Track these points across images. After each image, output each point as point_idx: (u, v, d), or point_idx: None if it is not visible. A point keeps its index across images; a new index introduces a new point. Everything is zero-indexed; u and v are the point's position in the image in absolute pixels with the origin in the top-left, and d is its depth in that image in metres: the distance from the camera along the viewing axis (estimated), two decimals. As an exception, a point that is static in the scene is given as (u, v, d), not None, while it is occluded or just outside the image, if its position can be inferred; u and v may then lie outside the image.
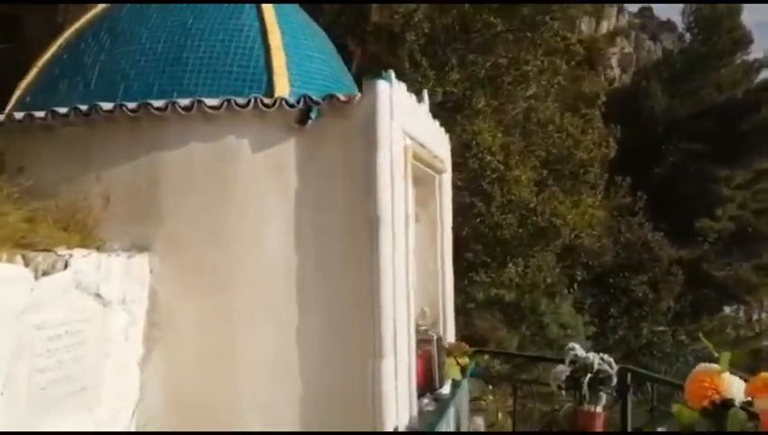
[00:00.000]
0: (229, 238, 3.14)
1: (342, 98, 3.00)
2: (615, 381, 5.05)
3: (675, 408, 1.79)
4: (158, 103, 3.09)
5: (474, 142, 6.97)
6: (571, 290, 13.38)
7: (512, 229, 7.54)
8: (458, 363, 4.24)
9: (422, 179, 4.63)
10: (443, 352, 3.72)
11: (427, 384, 3.56)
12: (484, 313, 10.51)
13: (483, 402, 6.51)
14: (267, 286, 3.11)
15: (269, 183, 3.13)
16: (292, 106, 3.04)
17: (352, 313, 3.01)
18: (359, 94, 3.04)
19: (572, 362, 5.14)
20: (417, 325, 3.68)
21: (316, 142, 3.11)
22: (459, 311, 9.35)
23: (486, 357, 6.89)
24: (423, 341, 3.56)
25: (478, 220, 7.82)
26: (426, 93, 4.19)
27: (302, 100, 3.02)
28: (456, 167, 7.99)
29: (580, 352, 5.20)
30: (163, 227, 3.18)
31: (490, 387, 6.44)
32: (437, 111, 6.85)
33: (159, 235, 3.18)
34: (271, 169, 3.12)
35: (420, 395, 3.55)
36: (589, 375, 4.98)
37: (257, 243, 3.12)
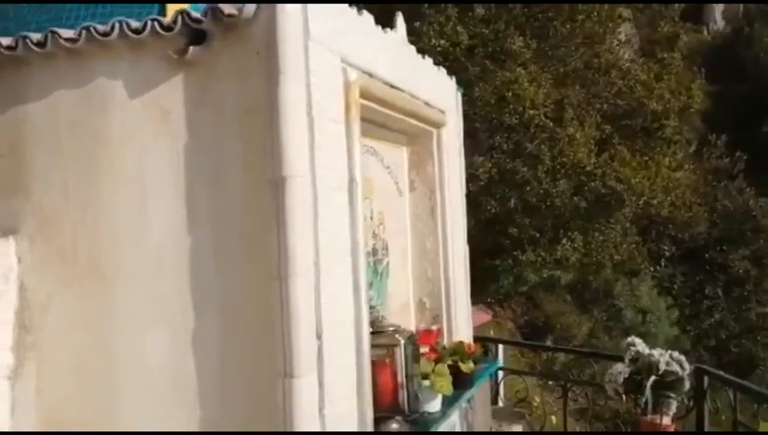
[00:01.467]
0: (104, 214, 2.42)
1: (228, 11, 2.17)
2: (687, 385, 4.04)
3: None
4: (6, 41, 2.41)
5: (509, 94, 5.89)
6: (657, 268, 11.92)
7: (564, 198, 6.43)
8: (460, 370, 3.36)
9: (414, 136, 3.73)
10: (414, 360, 2.85)
11: (394, 403, 2.72)
12: (548, 295, 9.42)
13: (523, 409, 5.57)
14: (154, 277, 2.37)
15: (151, 138, 2.37)
16: (168, 30, 2.25)
17: (255, 312, 2.22)
18: (254, 6, 2.19)
19: (633, 361, 4.16)
20: (379, 323, 2.83)
21: (207, 79, 2.31)
22: (509, 296, 8.38)
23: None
24: (384, 345, 2.71)
25: (524, 189, 6.77)
26: (400, 19, 3.27)
27: (179, 18, 2.22)
28: (492, 125, 6.97)
29: (641, 348, 4.18)
30: (31, 201, 2.51)
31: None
32: (465, 57, 5.88)
33: (27, 212, 2.52)
34: (152, 120, 2.36)
35: (386, 418, 2.72)
36: (653, 377, 4.01)
37: (139, 219, 2.38)
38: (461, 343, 3.53)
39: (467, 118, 6.67)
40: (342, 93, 2.52)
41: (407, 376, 2.71)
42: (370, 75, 2.80)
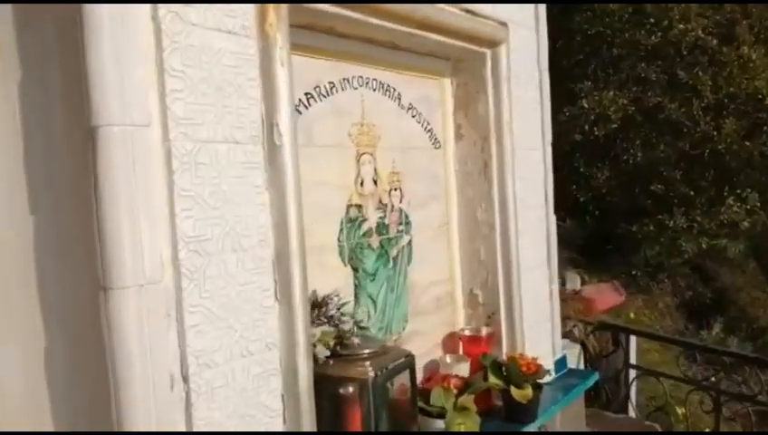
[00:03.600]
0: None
1: None
2: None
3: None
4: None
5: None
6: None
7: (732, 143, 4.81)
8: (512, 398, 2.39)
9: (459, 61, 2.72)
10: (411, 396, 1.94)
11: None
12: (718, 266, 7.65)
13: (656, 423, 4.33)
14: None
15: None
16: None
17: (89, 325, 1.48)
18: None
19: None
20: (349, 337, 1.95)
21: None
22: (661, 269, 6.75)
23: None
24: (348, 379, 1.84)
25: (675, 132, 5.24)
26: None
27: None
28: (627, 47, 5.40)
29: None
30: None
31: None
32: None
33: None
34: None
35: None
36: None
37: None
38: (514, 358, 2.51)
39: (589, 39, 5.33)
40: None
41: (377, 424, 1.81)
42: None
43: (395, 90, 2.50)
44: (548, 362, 3.02)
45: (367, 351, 1.94)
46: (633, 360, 4.92)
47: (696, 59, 5.06)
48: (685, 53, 5.05)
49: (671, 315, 7.61)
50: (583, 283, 5.74)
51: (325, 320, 1.90)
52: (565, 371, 3.17)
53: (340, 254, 2.24)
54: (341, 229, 2.24)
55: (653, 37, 5.03)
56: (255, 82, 1.64)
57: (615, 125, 5.24)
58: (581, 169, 5.61)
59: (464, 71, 2.77)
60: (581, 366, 4.79)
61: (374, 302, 2.38)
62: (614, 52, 5.49)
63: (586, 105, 5.24)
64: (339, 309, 2.00)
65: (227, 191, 1.56)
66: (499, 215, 2.74)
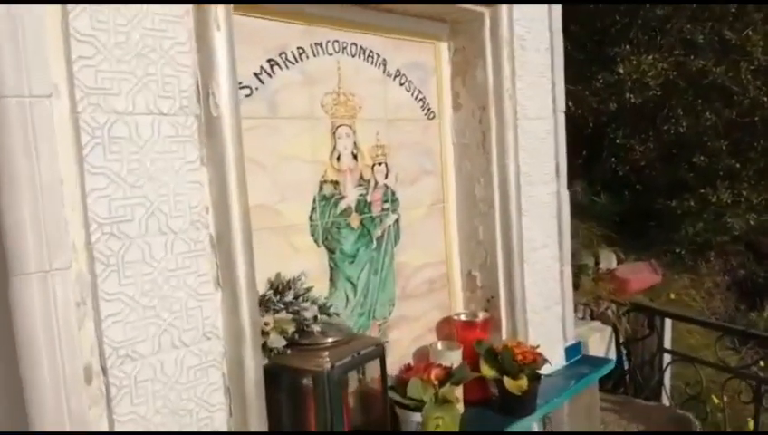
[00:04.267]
0: None
1: None
2: None
3: None
4: None
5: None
6: None
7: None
8: (506, 390, 2.23)
9: (455, 23, 2.51)
10: (376, 380, 1.79)
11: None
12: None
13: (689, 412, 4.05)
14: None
15: None
16: None
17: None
18: None
19: None
20: (309, 325, 1.82)
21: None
22: (707, 246, 6.29)
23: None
24: (304, 371, 1.71)
25: (721, 99, 4.82)
26: None
27: None
28: (664, 8, 4.93)
29: None
30: None
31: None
32: None
33: None
34: None
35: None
36: None
37: None
38: (507, 346, 2.33)
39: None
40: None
41: (332, 419, 1.69)
42: None
43: (379, 55, 2.32)
44: (558, 350, 2.83)
45: (330, 340, 1.80)
46: (668, 344, 4.64)
47: (747, 17, 4.63)
48: (733, 9, 4.62)
49: (720, 296, 7.19)
50: (619, 262, 5.45)
51: (282, 306, 1.76)
52: (578, 357, 2.96)
53: (313, 234, 2.10)
54: (314, 208, 2.10)
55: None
56: (186, 47, 1.49)
57: (654, 92, 4.87)
58: (618, 141, 5.28)
59: (462, 33, 2.56)
60: (612, 350, 4.56)
61: (354, 285, 2.23)
62: (657, 12, 5.09)
63: (621, 71, 4.89)
64: (304, 294, 1.87)
65: (151, 168, 1.43)
66: (499, 191, 2.53)
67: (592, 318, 4.91)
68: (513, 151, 2.53)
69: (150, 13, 1.43)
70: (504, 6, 2.48)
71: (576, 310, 4.93)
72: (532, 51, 2.69)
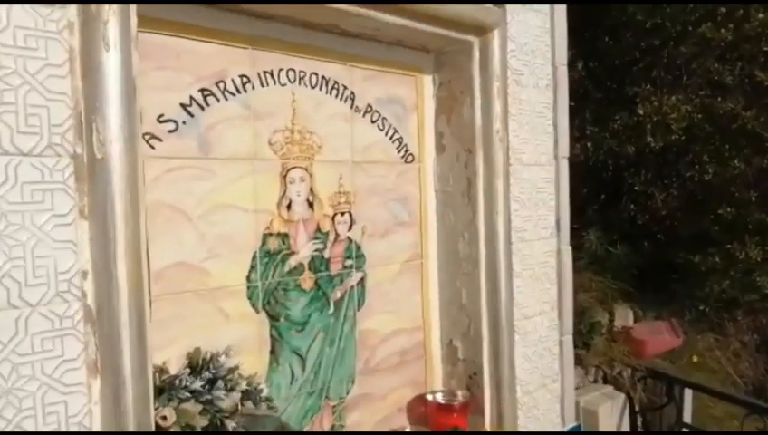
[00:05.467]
0: None
1: None
2: None
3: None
4: None
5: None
6: None
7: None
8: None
9: (440, 53, 2.22)
10: None
11: None
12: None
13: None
14: None
15: None
16: None
17: None
18: None
19: None
20: (222, 417, 1.47)
21: None
22: (734, 305, 5.83)
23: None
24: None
25: (748, 144, 4.43)
26: None
27: None
28: (687, 44, 4.54)
29: None
30: None
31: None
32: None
33: None
34: None
35: None
36: None
37: None
38: (487, 441, 1.96)
39: (646, 33, 4.55)
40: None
41: None
42: None
43: (346, 87, 2.02)
44: (553, 435, 2.45)
45: (249, 437, 1.46)
46: (689, 415, 4.20)
47: (779, 57, 4.29)
48: (765, 48, 4.29)
49: (749, 358, 6.69)
50: (636, 319, 5.03)
51: (189, 395, 1.43)
52: (579, 444, 2.57)
53: (251, 297, 1.77)
54: (254, 266, 1.77)
55: (723, 30, 4.28)
56: (62, 70, 1.20)
57: (676, 136, 4.53)
58: (636, 187, 4.92)
59: (447, 65, 2.26)
60: (626, 420, 4.14)
61: (302, 358, 1.90)
62: (682, 49, 4.78)
63: (641, 112, 4.56)
64: (226, 376, 1.53)
65: (1, 224, 1.12)
66: (485, 247, 2.19)
67: (605, 381, 4.50)
68: (504, 202, 2.20)
69: (12, 26, 1.14)
70: (497, 34, 2.17)
71: (587, 372, 4.54)
72: (530, 87, 2.37)
